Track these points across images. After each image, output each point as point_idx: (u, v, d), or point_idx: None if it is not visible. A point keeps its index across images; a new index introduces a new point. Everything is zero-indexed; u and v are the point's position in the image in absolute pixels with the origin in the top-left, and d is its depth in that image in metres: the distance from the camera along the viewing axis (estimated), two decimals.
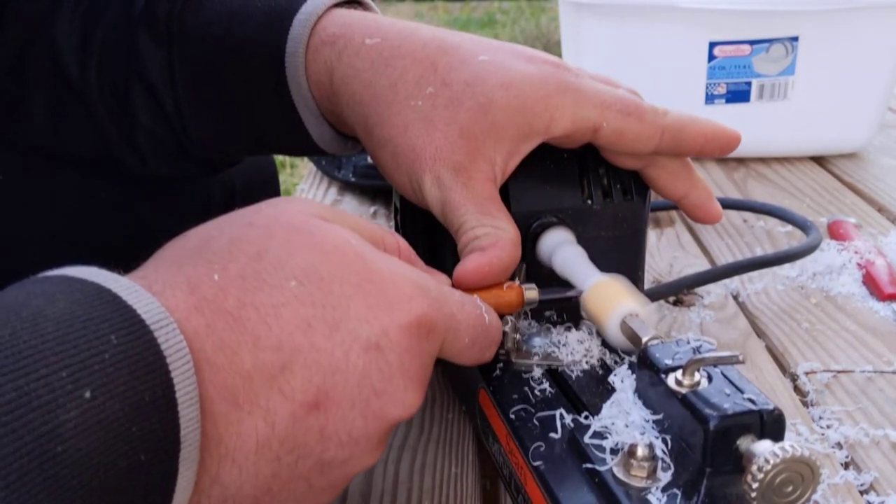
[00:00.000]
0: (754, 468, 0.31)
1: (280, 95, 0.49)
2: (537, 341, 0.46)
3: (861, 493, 0.44)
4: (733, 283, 0.66)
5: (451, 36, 0.48)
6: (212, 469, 0.31)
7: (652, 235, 0.74)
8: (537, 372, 0.44)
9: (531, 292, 0.44)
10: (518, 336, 0.45)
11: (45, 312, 0.28)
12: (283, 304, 0.33)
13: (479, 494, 0.44)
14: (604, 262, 0.47)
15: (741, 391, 0.33)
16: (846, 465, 0.46)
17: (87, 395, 0.27)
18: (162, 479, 0.29)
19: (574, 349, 0.46)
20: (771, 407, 0.33)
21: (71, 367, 0.27)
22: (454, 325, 0.38)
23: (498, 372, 0.45)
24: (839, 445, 0.48)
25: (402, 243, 0.41)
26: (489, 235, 0.44)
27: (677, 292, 0.63)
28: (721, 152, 0.50)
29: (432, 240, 0.51)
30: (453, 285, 0.42)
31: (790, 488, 0.31)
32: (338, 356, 0.33)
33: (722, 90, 0.89)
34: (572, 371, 0.44)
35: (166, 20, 0.52)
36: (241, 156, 0.59)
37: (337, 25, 0.48)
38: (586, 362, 0.45)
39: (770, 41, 0.88)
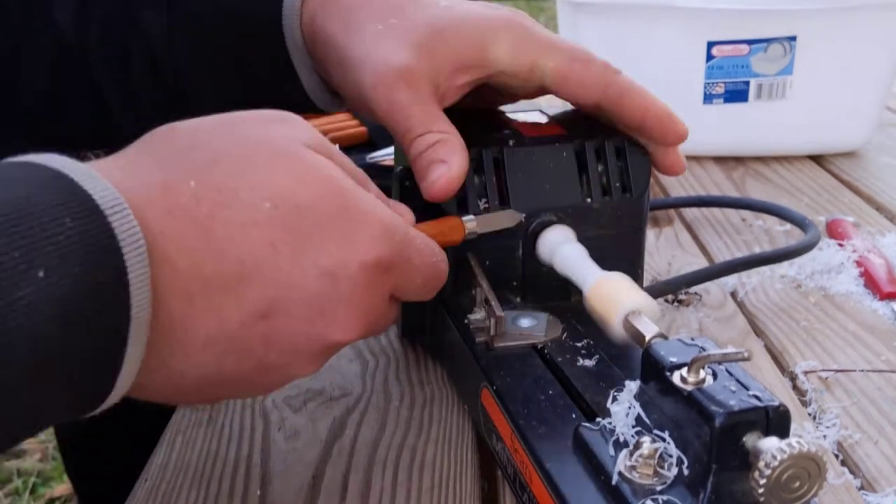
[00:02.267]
0: (762, 465, 0.31)
1: (277, 52, 0.52)
2: (513, 324, 0.47)
3: (859, 489, 0.44)
4: (731, 281, 0.66)
5: None
6: (162, 353, 0.34)
7: (650, 235, 0.73)
8: (540, 370, 0.44)
9: (471, 224, 0.47)
10: (499, 321, 0.46)
11: (1, 197, 0.29)
12: (253, 223, 0.35)
13: (478, 494, 0.44)
14: (603, 259, 0.47)
15: (746, 388, 0.33)
16: (844, 464, 0.46)
17: (41, 274, 0.29)
18: (112, 354, 0.31)
19: (551, 327, 0.47)
20: (776, 403, 0.32)
21: (23, 247, 0.29)
22: (410, 268, 0.41)
23: (501, 371, 0.45)
24: (838, 444, 0.47)
25: (378, 191, 0.43)
26: (444, 143, 0.46)
27: (676, 290, 0.63)
28: (663, 134, 0.51)
29: None
30: (420, 211, 0.45)
31: (797, 484, 0.31)
32: (295, 276, 0.36)
33: (720, 90, 0.89)
34: (575, 368, 0.44)
35: None
36: None
37: None
38: (564, 335, 0.47)
39: (768, 41, 0.88)
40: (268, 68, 0.54)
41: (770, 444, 0.31)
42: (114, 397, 0.33)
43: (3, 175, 0.31)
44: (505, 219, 0.49)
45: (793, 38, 0.87)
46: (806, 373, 0.54)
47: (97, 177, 0.32)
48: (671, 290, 0.62)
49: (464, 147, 0.47)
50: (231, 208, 0.35)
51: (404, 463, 0.46)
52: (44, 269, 0.29)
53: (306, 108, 0.56)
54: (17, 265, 0.28)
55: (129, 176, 0.33)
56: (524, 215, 0.49)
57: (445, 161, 0.46)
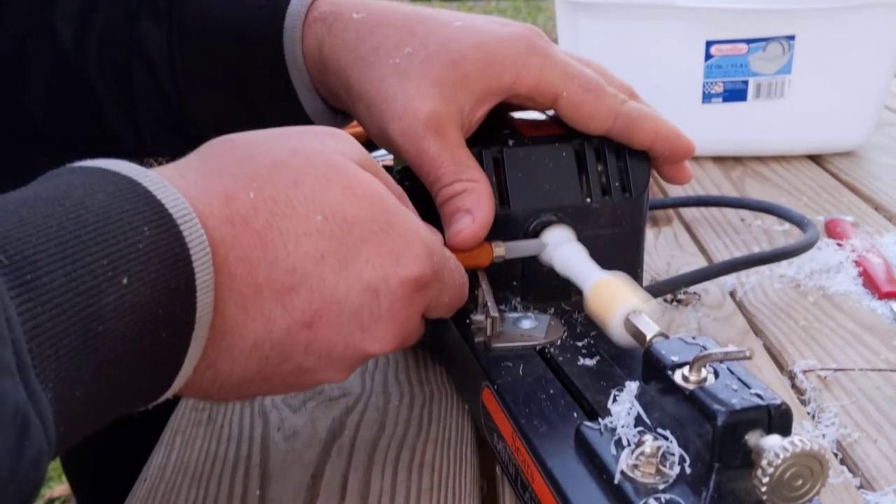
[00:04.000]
0: (764, 463, 0.31)
1: (277, 71, 0.52)
2: (514, 325, 0.48)
3: (858, 488, 0.44)
4: (730, 281, 0.65)
5: (430, 9, 0.51)
6: (211, 357, 0.36)
7: (649, 234, 0.73)
8: (541, 369, 0.44)
9: (499, 249, 0.48)
10: (495, 322, 0.46)
11: (85, 204, 0.31)
12: (306, 234, 0.36)
13: (477, 494, 0.44)
14: (603, 259, 0.47)
15: (748, 386, 0.33)
16: (844, 463, 0.46)
17: (125, 281, 0.30)
18: (175, 354, 0.33)
19: (552, 329, 0.47)
20: (778, 402, 0.32)
21: (110, 255, 0.30)
22: (442, 287, 0.42)
23: (502, 370, 0.44)
24: (837, 443, 0.47)
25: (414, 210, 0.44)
26: (470, 193, 0.46)
27: (675, 290, 0.63)
28: (672, 155, 0.52)
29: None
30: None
31: (799, 482, 0.31)
32: (340, 290, 0.37)
33: (719, 89, 0.89)
34: (576, 367, 0.44)
35: (167, 1, 0.55)
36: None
37: (328, 4, 0.52)
38: (563, 336, 0.47)
39: (767, 40, 0.88)
40: (267, 87, 0.54)
41: (772, 443, 0.31)
42: (167, 394, 0.35)
43: (83, 181, 0.32)
44: (532, 247, 0.49)
45: (791, 38, 0.87)
46: (805, 372, 0.54)
47: (168, 186, 0.33)
48: (670, 290, 0.62)
49: (491, 195, 0.47)
50: (286, 219, 0.36)
51: (404, 462, 0.46)
52: (127, 276, 0.30)
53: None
54: (105, 272, 0.29)
55: (191, 184, 0.35)
56: (545, 245, 0.49)
57: (470, 212, 0.46)
